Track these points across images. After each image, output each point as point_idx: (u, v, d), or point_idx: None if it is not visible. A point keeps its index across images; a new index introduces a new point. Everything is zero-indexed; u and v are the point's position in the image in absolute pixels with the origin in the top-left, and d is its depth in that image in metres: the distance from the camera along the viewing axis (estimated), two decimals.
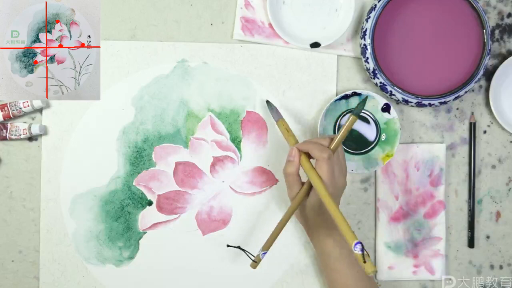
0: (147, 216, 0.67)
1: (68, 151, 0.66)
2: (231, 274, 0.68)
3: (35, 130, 0.64)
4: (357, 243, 0.53)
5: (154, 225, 0.67)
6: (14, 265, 0.66)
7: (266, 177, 0.68)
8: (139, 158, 0.67)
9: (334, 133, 0.68)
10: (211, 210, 0.68)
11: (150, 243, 0.67)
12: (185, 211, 0.67)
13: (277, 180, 0.68)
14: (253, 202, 0.68)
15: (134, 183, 0.67)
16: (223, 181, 0.68)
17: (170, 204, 0.67)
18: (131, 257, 0.67)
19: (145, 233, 0.67)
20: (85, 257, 0.67)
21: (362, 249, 0.52)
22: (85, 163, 0.66)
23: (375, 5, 0.64)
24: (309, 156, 0.61)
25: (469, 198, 0.70)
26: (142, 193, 0.67)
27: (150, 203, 0.67)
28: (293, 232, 0.68)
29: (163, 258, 0.67)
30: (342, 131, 0.61)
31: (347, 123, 0.61)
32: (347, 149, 0.68)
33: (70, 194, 0.66)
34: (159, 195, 0.67)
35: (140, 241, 0.67)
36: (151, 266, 0.67)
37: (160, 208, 0.67)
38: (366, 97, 0.62)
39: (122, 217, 0.67)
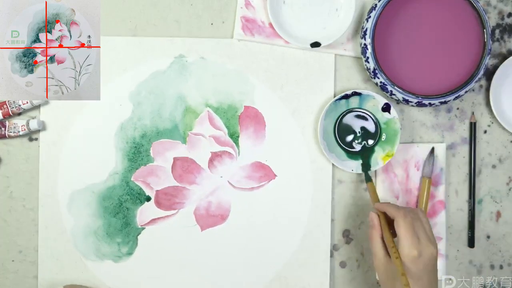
0: (146, 212, 0.67)
1: (66, 147, 0.66)
2: (229, 268, 0.68)
3: (33, 125, 0.64)
4: None
5: (153, 220, 0.67)
6: (14, 265, 0.66)
7: (264, 172, 0.68)
8: (137, 154, 0.67)
9: (334, 133, 0.68)
10: (210, 205, 0.68)
11: (149, 238, 0.67)
12: (183, 206, 0.67)
13: (275, 175, 0.68)
14: (251, 197, 0.68)
15: (132, 179, 0.67)
16: (221, 176, 0.68)
17: (168, 200, 0.67)
18: (129, 253, 0.67)
19: (143, 228, 0.67)
20: (84, 253, 0.67)
21: None
22: (83, 159, 0.66)
23: (376, 4, 0.64)
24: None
25: (469, 198, 0.70)
26: (140, 188, 0.67)
27: (148, 198, 0.67)
28: (291, 226, 0.68)
29: (161, 254, 0.67)
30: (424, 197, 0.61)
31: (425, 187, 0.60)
32: (347, 149, 0.68)
33: (68, 190, 0.66)
34: (157, 191, 0.67)
35: (139, 236, 0.67)
36: (150, 261, 0.67)
37: (158, 204, 0.67)
38: (432, 149, 0.59)
39: (121, 213, 0.67)
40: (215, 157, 0.67)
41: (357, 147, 0.68)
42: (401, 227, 0.57)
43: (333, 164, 0.68)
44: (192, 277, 0.68)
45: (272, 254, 0.68)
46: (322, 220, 0.68)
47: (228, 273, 0.68)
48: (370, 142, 0.68)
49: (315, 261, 0.68)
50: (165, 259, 0.67)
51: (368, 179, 0.66)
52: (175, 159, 0.67)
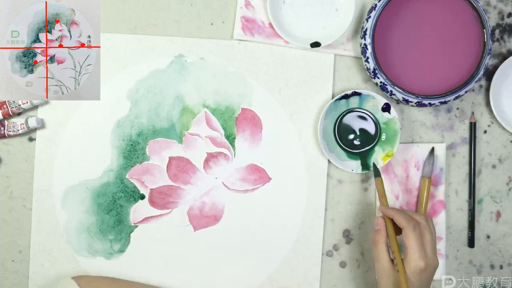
0: (139, 210, 0.67)
1: (62, 143, 0.66)
2: (220, 270, 0.68)
3: (32, 123, 0.64)
4: None
5: (146, 219, 0.67)
6: (14, 265, 0.66)
7: (259, 174, 0.68)
8: (133, 152, 0.67)
9: (334, 134, 0.68)
10: (203, 206, 0.68)
11: (141, 237, 0.67)
12: (177, 206, 0.67)
13: (270, 178, 0.68)
14: (245, 199, 0.68)
15: (127, 177, 0.67)
16: (216, 178, 0.68)
17: (162, 199, 0.67)
18: (121, 250, 0.67)
19: (136, 226, 0.67)
20: (76, 249, 0.67)
21: None
22: (79, 155, 0.66)
23: (376, 4, 0.64)
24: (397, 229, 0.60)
25: (469, 198, 0.70)
26: (135, 186, 0.67)
27: (142, 197, 0.67)
28: (285, 230, 0.68)
29: (153, 252, 0.67)
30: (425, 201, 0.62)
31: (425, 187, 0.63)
32: (347, 149, 0.68)
33: (63, 185, 0.66)
34: (151, 189, 0.67)
35: (131, 234, 0.67)
36: (142, 260, 0.67)
37: (152, 202, 0.67)
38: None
39: (114, 210, 0.67)
40: (210, 158, 0.67)
41: (357, 145, 0.68)
42: (410, 239, 0.56)
43: (328, 166, 0.68)
44: (183, 277, 0.68)
45: (264, 258, 0.68)
46: (315, 225, 0.68)
47: (219, 275, 0.68)
48: (370, 142, 0.68)
49: (307, 265, 0.68)
50: (157, 257, 0.67)
51: (377, 174, 0.65)
52: (170, 158, 0.67)
